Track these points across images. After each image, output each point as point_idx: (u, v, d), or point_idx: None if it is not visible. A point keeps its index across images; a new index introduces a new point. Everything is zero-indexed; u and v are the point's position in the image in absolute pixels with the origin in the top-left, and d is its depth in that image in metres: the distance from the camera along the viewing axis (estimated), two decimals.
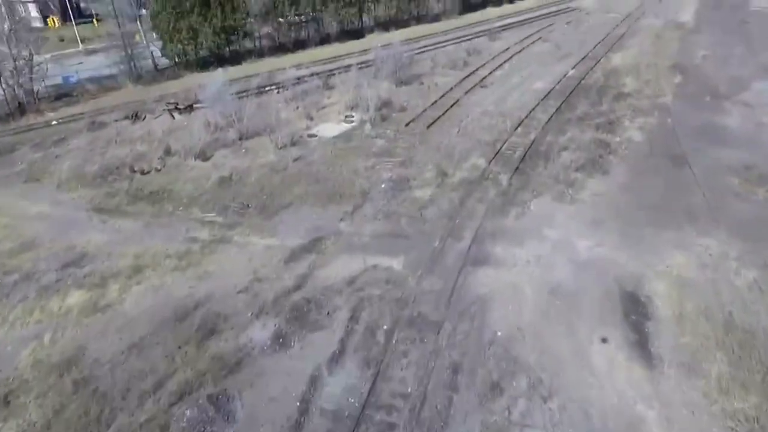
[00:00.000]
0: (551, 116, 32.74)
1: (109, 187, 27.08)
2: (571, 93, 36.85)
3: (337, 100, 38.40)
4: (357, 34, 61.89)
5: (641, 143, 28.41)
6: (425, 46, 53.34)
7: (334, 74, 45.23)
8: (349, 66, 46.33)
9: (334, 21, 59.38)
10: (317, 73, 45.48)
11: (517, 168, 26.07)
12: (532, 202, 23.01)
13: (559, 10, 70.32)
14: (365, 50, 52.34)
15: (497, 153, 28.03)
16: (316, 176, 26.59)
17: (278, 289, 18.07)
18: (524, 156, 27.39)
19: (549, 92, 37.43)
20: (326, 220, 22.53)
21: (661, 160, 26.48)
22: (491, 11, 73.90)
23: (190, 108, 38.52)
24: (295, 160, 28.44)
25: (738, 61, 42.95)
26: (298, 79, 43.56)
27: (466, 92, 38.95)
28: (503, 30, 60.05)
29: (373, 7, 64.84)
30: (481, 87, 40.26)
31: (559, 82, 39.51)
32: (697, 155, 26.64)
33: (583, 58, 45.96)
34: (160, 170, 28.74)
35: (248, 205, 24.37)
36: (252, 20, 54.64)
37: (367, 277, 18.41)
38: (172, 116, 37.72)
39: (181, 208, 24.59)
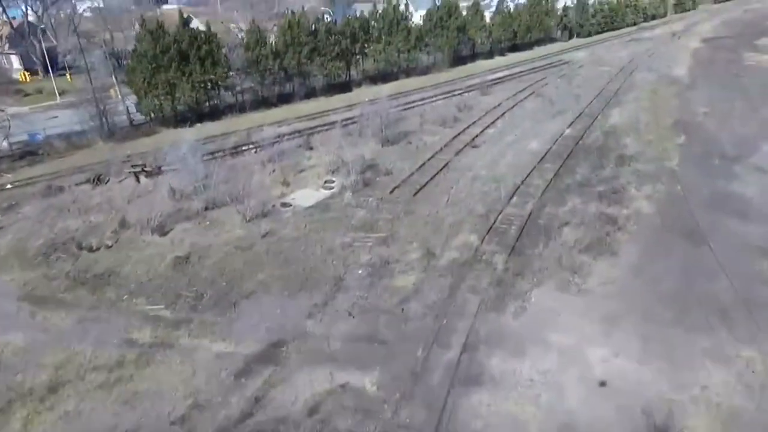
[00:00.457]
0: (549, 182, 29.95)
1: (50, 268, 23.66)
2: (569, 155, 34.25)
3: (317, 162, 35.62)
4: (344, 87, 60.04)
5: (651, 216, 25.48)
6: (414, 101, 51.29)
7: (317, 132, 42.75)
8: (333, 123, 43.98)
9: (320, 74, 57.52)
10: (299, 131, 42.97)
11: (513, 247, 22.96)
12: (532, 293, 19.77)
13: (551, 63, 69.19)
14: (352, 105, 50.27)
15: (491, 228, 24.98)
16: (286, 256, 23.34)
17: (221, 420, 14.49)
18: (521, 232, 24.34)
19: (545, 154, 34.83)
20: (292, 315, 19.13)
21: (676, 236, 23.49)
22: (482, 64, 72.79)
23: (158, 170, 35.55)
24: (264, 235, 25.24)
25: (740, 119, 40.82)
26: (279, 137, 40.92)
27: (457, 153, 36.32)
28: (495, 84, 58.41)
29: (361, 61, 63.33)
30: (473, 147, 37.70)
31: (555, 142, 37.03)
32: (715, 231, 23.68)
33: (579, 115, 43.79)
34: (111, 247, 25.43)
35: (203, 294, 20.98)
36: (234, 74, 52.67)
37: (334, 403, 14.89)
38: (138, 180, 34.68)
39: (125, 296, 21.15)
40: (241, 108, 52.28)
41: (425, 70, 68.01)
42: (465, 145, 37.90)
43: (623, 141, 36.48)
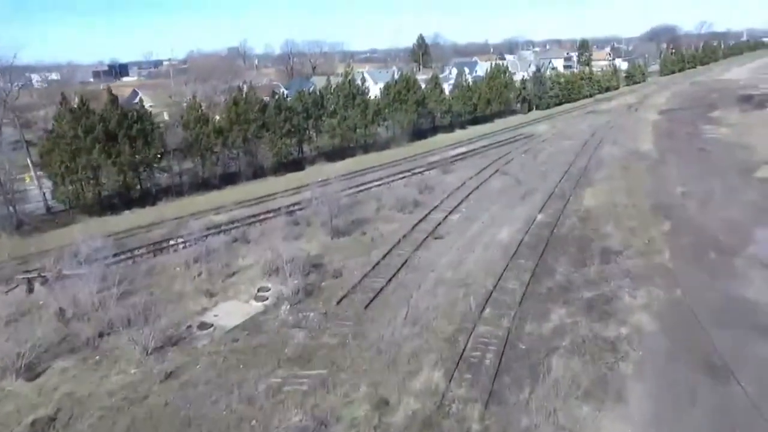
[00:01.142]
0: (526, 287, 25.14)
1: None
2: (545, 248, 29.82)
3: (253, 261, 30.12)
4: (296, 165, 55.65)
5: (656, 336, 20.70)
6: (371, 182, 46.99)
7: (258, 221, 37.52)
8: (278, 209, 38.94)
9: (270, 152, 53.03)
10: (238, 220, 37.65)
11: (491, 392, 17.60)
12: None
13: (514, 137, 66.92)
14: (301, 187, 45.61)
15: (461, 358, 19.67)
16: (189, 415, 17.31)
17: None
18: (499, 365, 19.09)
19: (518, 246, 30.33)
20: None
21: (691, 368, 18.64)
22: (442, 138, 70.11)
23: (58, 275, 29.30)
24: (165, 379, 19.20)
25: (722, 199, 37.68)
26: (213, 228, 35.51)
27: (417, 247, 31.48)
28: (457, 160, 55.08)
29: (314, 137, 59.45)
30: (435, 239, 32.99)
31: (527, 232, 32.70)
32: (739, 358, 18.99)
33: (549, 196, 40.06)
34: None
35: None
36: (170, 154, 47.65)
37: None
38: (30, 289, 28.35)
39: None
40: (178, 191, 46.88)
41: (384, 146, 64.64)
42: (427, 236, 33.17)
43: (603, 229, 32.42)
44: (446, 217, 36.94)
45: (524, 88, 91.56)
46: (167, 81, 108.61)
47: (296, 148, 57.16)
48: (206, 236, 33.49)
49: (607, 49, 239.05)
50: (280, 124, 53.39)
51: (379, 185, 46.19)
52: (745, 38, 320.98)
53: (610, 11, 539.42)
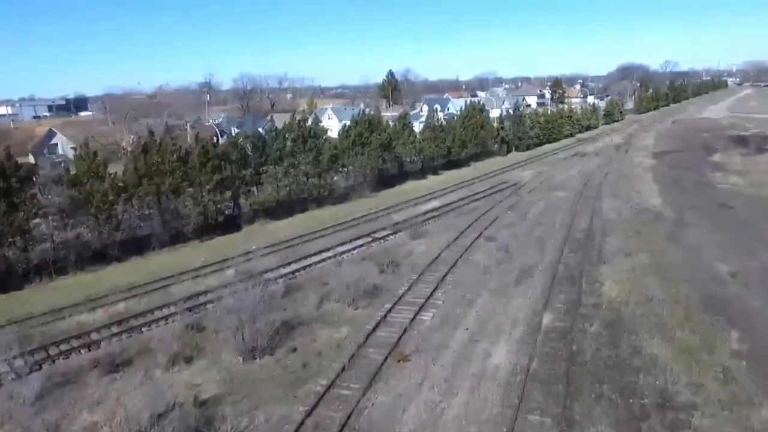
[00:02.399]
0: None
1: None
2: (567, 391, 19.10)
3: (103, 418, 18.56)
4: (231, 226, 44.46)
5: None
6: (318, 253, 36.04)
7: (140, 329, 25.93)
8: (177, 302, 27.54)
9: (194, 211, 41.80)
10: (116, 323, 26.08)
11: None
12: None
13: (495, 186, 57.17)
14: (226, 260, 34.55)
15: None
16: None
17: None
18: None
19: (524, 386, 19.57)
20: None
21: None
22: (412, 187, 59.99)
23: None
24: None
25: None
26: (69, 342, 23.89)
27: (373, 377, 20.47)
28: (429, 219, 44.74)
29: (255, 190, 48.49)
30: (401, 362, 22.00)
31: (534, 351, 22.03)
32: None
33: (553, 279, 29.73)
34: None
35: None
36: (51, 219, 36.01)
37: None
38: None
39: None
40: (60, 267, 35.03)
41: (343, 197, 54.04)
42: (386, 356, 22.17)
43: (645, 347, 21.96)
44: (416, 316, 26.07)
45: (502, 128, 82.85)
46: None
47: (232, 204, 46.07)
48: (38, 366, 21.85)
49: (578, 87, 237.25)
50: (207, 176, 42.38)
51: (329, 259, 35.25)
52: (704, 77, 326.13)
53: (575, 50, 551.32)
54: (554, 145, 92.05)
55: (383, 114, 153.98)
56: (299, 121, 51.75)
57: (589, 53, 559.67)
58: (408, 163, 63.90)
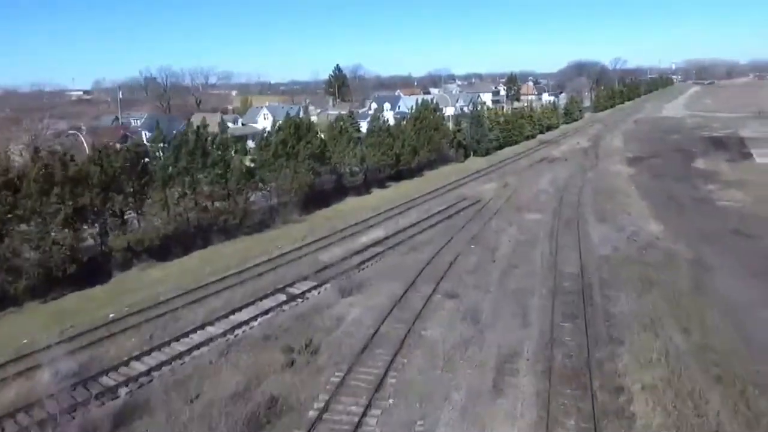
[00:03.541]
0: None
1: None
2: None
3: None
4: (95, 275, 31.90)
5: None
6: (198, 329, 24.23)
7: None
8: None
9: (32, 258, 29.13)
10: None
11: None
12: None
13: (453, 206, 46.51)
14: (75, 338, 22.54)
15: None
16: None
17: None
18: None
19: None
20: None
21: None
22: (351, 207, 48.63)
23: None
24: None
25: None
26: None
27: None
28: (369, 258, 33.56)
29: (137, 222, 35.98)
30: None
31: None
32: None
33: (549, 382, 19.09)
34: None
35: None
36: None
37: None
38: None
39: None
40: None
41: (261, 224, 42.14)
42: None
43: None
44: None
45: (459, 130, 72.61)
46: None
47: (94, 242, 33.48)
48: None
49: (530, 84, 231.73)
50: (52, 207, 29.75)
51: (213, 340, 23.50)
52: (650, 75, 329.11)
53: (525, 47, 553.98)
54: (515, 148, 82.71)
55: (329, 112, 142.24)
56: (197, 128, 39.39)
57: (539, 50, 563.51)
58: (348, 175, 52.46)
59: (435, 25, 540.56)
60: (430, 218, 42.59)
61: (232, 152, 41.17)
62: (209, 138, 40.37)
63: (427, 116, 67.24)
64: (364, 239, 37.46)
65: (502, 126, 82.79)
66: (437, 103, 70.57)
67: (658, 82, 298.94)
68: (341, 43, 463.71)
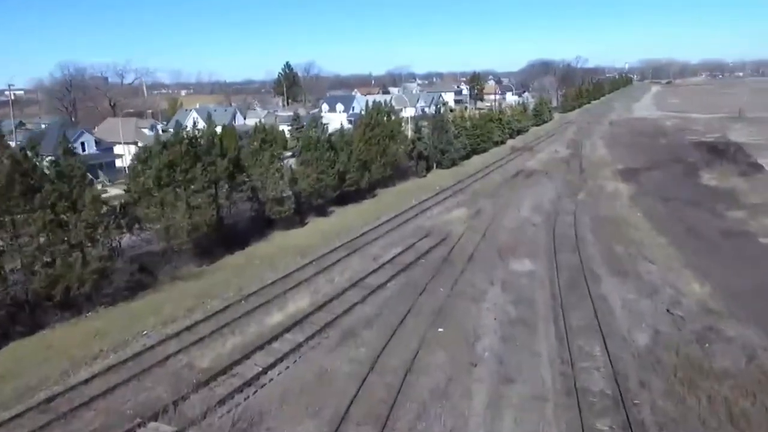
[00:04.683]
0: None
1: None
2: None
3: None
4: None
5: None
6: None
7: None
8: None
9: None
10: None
11: None
12: None
13: (410, 249, 34.23)
14: None
15: None
16: None
17: None
18: None
19: None
20: None
21: None
22: (275, 249, 35.68)
23: None
24: None
25: None
26: None
27: None
28: (268, 366, 20.87)
29: None
30: None
31: None
32: None
33: None
34: None
35: None
36: None
37: None
38: None
39: None
40: None
41: (137, 286, 28.91)
42: None
43: None
44: None
45: (419, 139, 60.57)
46: None
47: None
48: None
49: (492, 82, 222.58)
50: None
51: None
52: (607, 74, 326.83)
53: (486, 46, 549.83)
54: (485, 157, 71.39)
55: (278, 114, 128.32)
56: (23, 150, 25.82)
57: (499, 49, 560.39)
58: (273, 204, 39.44)
59: (396, 23, 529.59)
60: (379, 271, 30.22)
61: (88, 182, 27.69)
62: (48, 163, 27.04)
63: (380, 122, 54.93)
64: (277, 317, 24.77)
65: (469, 132, 71.25)
66: (393, 105, 58.34)
67: (619, 81, 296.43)
68: (300, 40, 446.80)
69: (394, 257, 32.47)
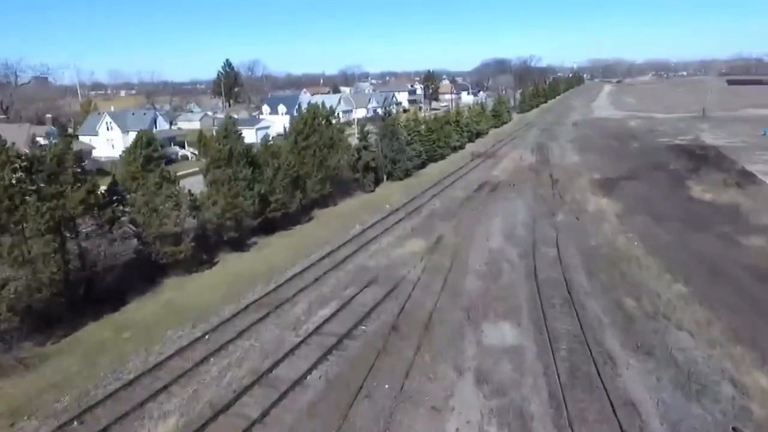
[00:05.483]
0: None
1: None
2: None
3: None
4: None
5: None
6: None
7: None
8: None
9: None
10: None
11: None
12: None
13: (342, 315, 25.01)
14: None
15: None
16: None
17: None
18: None
19: None
20: None
21: None
22: (160, 309, 25.62)
23: None
24: None
25: None
26: None
27: None
28: None
29: None
30: None
31: None
32: None
33: None
34: None
35: None
36: None
37: None
38: None
39: None
40: None
41: None
42: None
43: None
44: None
45: (365, 148, 51.26)
46: None
47: None
48: None
49: (446, 81, 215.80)
50: None
51: None
52: (559, 74, 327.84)
53: (440, 45, 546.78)
54: (442, 165, 62.89)
55: (217, 116, 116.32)
56: None
57: (453, 49, 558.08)
58: (164, 243, 29.23)
59: (349, 22, 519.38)
60: (298, 352, 20.77)
61: None
62: None
63: (317, 128, 45.42)
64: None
65: (423, 137, 62.56)
66: (332, 110, 48.75)
67: (573, 80, 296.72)
68: (250, 39, 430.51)
69: (322, 324, 23.11)
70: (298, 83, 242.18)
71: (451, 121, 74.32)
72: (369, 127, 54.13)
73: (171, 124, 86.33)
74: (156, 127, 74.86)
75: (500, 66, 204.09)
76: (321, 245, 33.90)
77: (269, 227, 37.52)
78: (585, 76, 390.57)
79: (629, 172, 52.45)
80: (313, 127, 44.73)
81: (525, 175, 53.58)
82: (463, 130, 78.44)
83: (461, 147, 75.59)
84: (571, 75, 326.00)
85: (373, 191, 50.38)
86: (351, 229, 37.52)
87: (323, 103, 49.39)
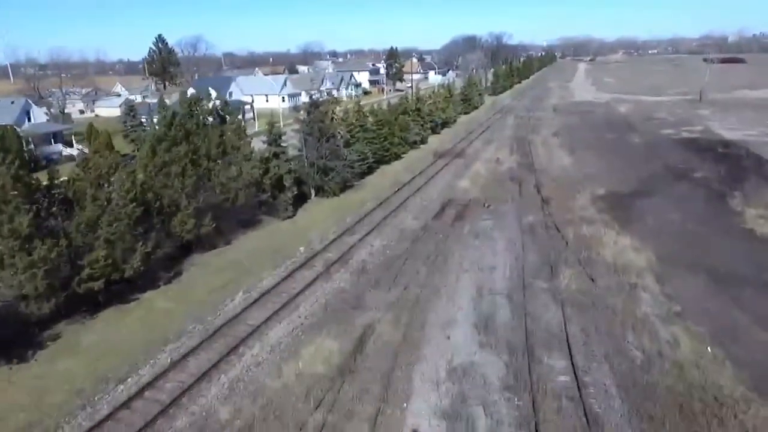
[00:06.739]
0: None
1: None
2: None
3: None
4: None
5: None
6: None
7: None
8: None
9: None
10: None
11: None
12: None
13: None
14: None
15: None
16: None
17: None
18: None
19: None
20: None
21: None
22: None
23: None
24: None
25: None
26: None
27: None
28: None
29: None
30: None
31: None
32: None
33: None
34: None
35: None
36: None
37: None
38: None
39: None
40: None
41: None
42: None
43: None
44: None
45: (276, 156, 36.01)
46: None
47: None
48: None
49: (415, 60, 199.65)
50: None
51: None
52: (531, 52, 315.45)
53: (407, 21, 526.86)
54: (396, 171, 48.25)
55: (148, 100, 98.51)
56: None
57: (422, 25, 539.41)
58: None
59: None
60: None
61: None
62: None
63: (198, 131, 30.19)
64: None
65: (371, 132, 47.68)
66: (224, 100, 33.23)
67: (545, 59, 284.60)
68: (206, 12, 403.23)
69: None
70: (259, 62, 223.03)
71: (410, 110, 59.50)
72: (279, 125, 38.40)
73: (62, 113, 69.21)
74: (31, 120, 58.22)
75: (470, 43, 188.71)
76: (153, 353, 19.07)
77: (111, 297, 22.48)
78: (557, 54, 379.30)
79: (642, 183, 38.75)
80: (188, 130, 29.50)
81: (504, 188, 39.37)
82: (425, 121, 63.76)
83: (423, 141, 61.08)
84: (543, 53, 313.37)
85: (291, 217, 35.48)
86: (218, 308, 22.68)
87: (216, 93, 33.96)
